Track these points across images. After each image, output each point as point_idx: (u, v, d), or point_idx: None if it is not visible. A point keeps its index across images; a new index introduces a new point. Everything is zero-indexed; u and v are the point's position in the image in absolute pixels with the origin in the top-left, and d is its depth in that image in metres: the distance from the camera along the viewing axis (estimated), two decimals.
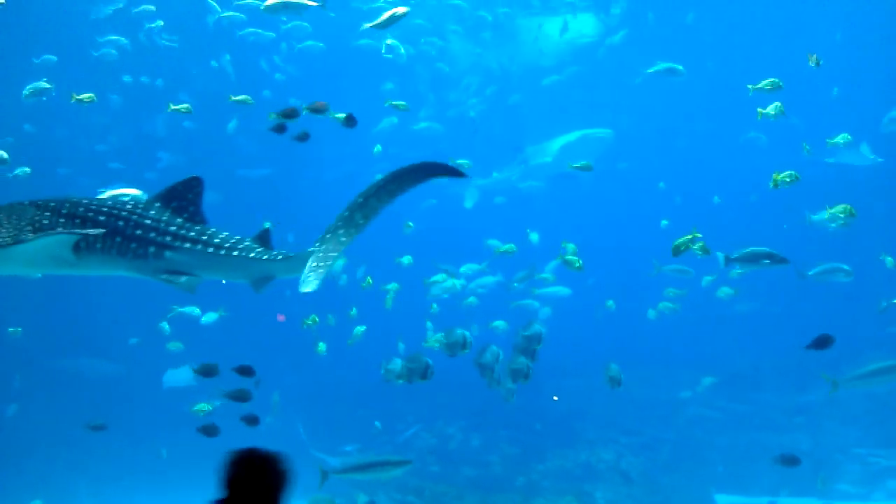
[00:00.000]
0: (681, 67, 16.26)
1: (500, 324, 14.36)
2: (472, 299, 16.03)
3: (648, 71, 16.41)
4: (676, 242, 10.47)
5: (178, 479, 16.79)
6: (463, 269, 16.32)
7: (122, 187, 11.13)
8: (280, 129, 10.82)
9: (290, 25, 18.58)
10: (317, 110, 10.88)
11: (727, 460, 16.28)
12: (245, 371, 10.68)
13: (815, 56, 12.01)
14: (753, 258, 10.88)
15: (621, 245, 19.82)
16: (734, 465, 16.23)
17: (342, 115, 10.95)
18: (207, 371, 10.97)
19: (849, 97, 19.56)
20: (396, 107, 14.03)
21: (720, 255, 11.07)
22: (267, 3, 11.89)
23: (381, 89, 20.02)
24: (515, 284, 16.01)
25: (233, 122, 19.66)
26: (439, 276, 15.37)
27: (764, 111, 11.79)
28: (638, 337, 17.30)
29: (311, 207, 18.04)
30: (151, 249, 7.10)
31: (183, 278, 7.17)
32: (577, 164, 14.05)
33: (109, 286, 17.30)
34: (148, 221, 7.16)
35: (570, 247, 13.69)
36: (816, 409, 16.67)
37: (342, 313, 15.06)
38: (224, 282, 7.71)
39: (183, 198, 7.41)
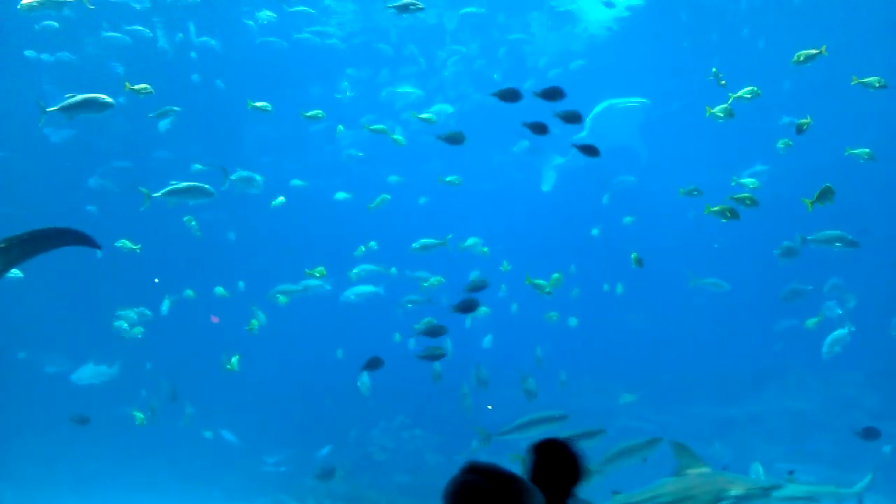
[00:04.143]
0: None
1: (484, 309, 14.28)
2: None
3: (783, 121, 15.72)
4: (547, 288, 11.42)
5: (101, 481, 16.34)
6: (355, 271, 15.58)
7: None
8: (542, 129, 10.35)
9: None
10: (455, 139, 10.98)
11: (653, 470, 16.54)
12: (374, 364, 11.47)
13: (717, 73, 12.34)
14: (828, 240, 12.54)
15: (558, 252, 19.76)
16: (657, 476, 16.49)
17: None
18: (434, 331, 11.41)
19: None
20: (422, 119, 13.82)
21: (798, 239, 12.82)
22: (24, 1, 11.96)
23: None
24: (409, 306, 15.03)
25: (165, 122, 18.57)
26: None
27: (712, 110, 11.86)
28: (570, 347, 17.45)
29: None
30: None
31: None
32: (686, 189, 12.71)
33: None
34: None
35: (505, 265, 13.70)
36: (742, 425, 17.14)
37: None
38: None
39: None
